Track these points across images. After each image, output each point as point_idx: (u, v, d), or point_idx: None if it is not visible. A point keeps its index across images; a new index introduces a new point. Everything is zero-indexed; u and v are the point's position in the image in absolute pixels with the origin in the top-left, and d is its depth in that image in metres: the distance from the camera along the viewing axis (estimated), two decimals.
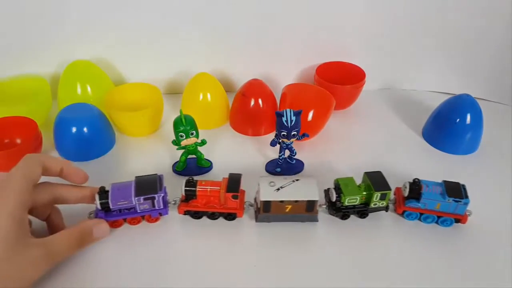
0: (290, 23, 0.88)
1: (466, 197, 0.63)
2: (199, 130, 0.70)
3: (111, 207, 0.59)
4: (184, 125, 0.68)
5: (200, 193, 0.63)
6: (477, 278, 0.58)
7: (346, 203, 0.64)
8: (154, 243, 0.61)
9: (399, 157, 0.80)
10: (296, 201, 0.62)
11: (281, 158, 0.75)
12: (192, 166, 0.75)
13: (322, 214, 0.66)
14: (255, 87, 0.83)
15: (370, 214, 0.66)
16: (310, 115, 0.79)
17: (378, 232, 0.65)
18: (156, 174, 0.63)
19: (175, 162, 0.75)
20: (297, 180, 0.63)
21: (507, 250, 0.62)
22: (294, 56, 0.94)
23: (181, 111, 0.69)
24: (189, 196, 0.64)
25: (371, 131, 0.87)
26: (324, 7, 0.87)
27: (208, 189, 0.63)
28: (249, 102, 0.82)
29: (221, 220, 0.65)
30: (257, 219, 0.64)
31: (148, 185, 0.61)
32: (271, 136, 0.75)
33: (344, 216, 0.66)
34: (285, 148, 0.74)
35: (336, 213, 0.65)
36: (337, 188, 0.65)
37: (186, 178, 0.64)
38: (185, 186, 0.63)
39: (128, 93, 0.85)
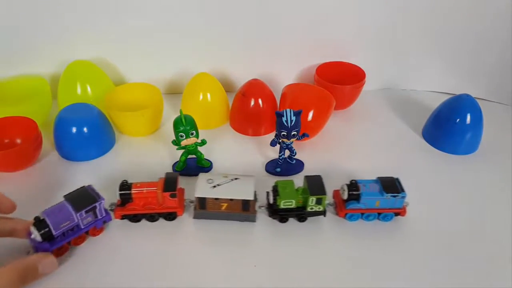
0: (290, 23, 0.88)
1: (402, 190, 0.63)
2: (199, 130, 0.70)
3: (54, 233, 0.55)
4: (184, 125, 0.68)
5: (136, 195, 0.62)
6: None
7: (282, 206, 0.64)
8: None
9: (399, 157, 0.80)
10: (231, 200, 0.62)
11: (281, 158, 0.75)
12: (192, 166, 0.75)
13: (265, 216, 0.66)
14: (255, 87, 0.83)
15: (312, 218, 0.66)
16: (310, 115, 0.79)
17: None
18: (83, 186, 0.60)
19: (175, 162, 0.75)
20: (236, 179, 0.64)
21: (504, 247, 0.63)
22: (294, 56, 0.94)
23: (181, 111, 0.69)
24: (125, 199, 0.62)
25: (371, 131, 0.87)
26: (324, 7, 0.87)
27: (144, 191, 0.62)
28: (249, 102, 0.82)
29: (161, 220, 0.65)
30: (194, 216, 0.65)
31: (83, 198, 0.58)
32: (271, 136, 0.75)
33: (283, 219, 0.65)
34: (285, 148, 0.74)
35: (274, 215, 0.65)
36: (275, 190, 0.65)
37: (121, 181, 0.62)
38: (119, 190, 0.62)
39: (128, 93, 0.85)
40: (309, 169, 0.76)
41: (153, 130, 0.85)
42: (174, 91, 0.96)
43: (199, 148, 0.73)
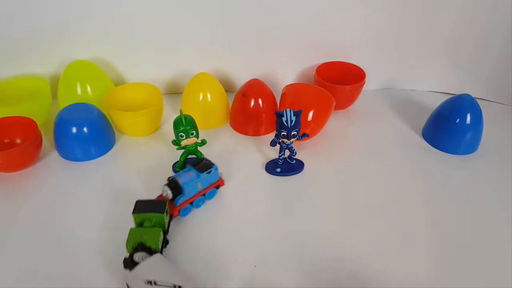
0: (290, 23, 0.88)
1: (214, 164, 0.68)
2: (199, 130, 0.70)
3: None
4: (184, 125, 0.68)
5: None
6: None
7: (159, 246, 0.58)
8: None
9: (399, 157, 0.80)
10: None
11: (281, 158, 0.75)
12: None
13: None
14: (255, 87, 0.83)
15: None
16: (310, 115, 0.79)
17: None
18: None
19: (175, 162, 0.75)
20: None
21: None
22: (294, 56, 0.94)
23: (181, 111, 0.69)
24: None
25: (371, 131, 0.87)
26: (324, 7, 0.87)
27: None
28: (249, 102, 0.82)
29: None
30: None
31: None
32: (271, 136, 0.75)
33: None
34: (285, 148, 0.74)
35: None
36: (143, 246, 0.57)
37: None
38: None
39: (128, 93, 0.85)
40: (309, 169, 0.76)
41: (153, 130, 0.85)
42: (174, 91, 0.96)
43: (199, 148, 0.73)
